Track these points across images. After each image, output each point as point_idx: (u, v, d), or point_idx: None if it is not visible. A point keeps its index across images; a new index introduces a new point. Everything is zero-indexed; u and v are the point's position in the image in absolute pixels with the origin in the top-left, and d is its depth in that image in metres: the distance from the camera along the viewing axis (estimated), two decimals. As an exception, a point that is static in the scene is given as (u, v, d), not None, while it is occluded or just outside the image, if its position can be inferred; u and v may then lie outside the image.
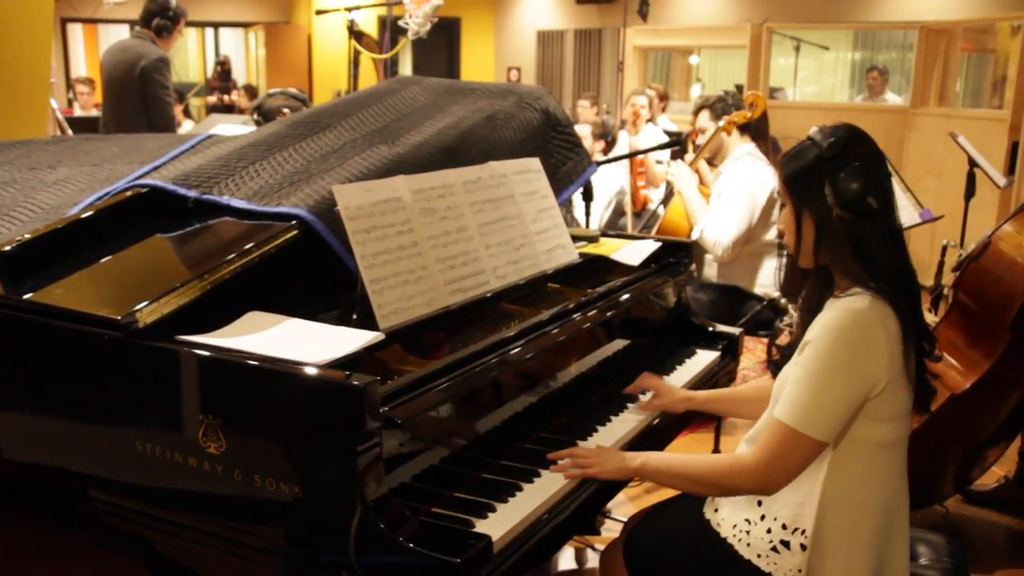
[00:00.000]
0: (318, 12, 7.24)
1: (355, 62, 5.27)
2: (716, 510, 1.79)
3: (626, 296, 2.30)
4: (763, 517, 1.71)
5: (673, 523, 1.86)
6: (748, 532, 1.72)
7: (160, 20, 4.82)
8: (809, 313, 1.79)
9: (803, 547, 1.66)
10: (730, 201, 3.90)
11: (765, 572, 1.69)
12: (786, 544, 1.67)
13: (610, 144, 5.80)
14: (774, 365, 1.91)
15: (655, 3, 9.27)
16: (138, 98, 4.79)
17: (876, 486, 1.69)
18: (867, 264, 1.67)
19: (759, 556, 1.69)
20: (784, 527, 1.68)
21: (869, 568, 1.68)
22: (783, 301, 3.43)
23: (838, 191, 1.66)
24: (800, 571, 1.66)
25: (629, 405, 2.15)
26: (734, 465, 1.68)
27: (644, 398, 2.17)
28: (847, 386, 1.61)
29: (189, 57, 14.24)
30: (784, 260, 1.89)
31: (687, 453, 1.83)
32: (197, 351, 1.52)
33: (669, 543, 1.84)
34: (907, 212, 3.89)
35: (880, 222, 1.69)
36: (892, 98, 8.10)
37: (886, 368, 1.62)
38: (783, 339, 2.89)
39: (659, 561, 1.85)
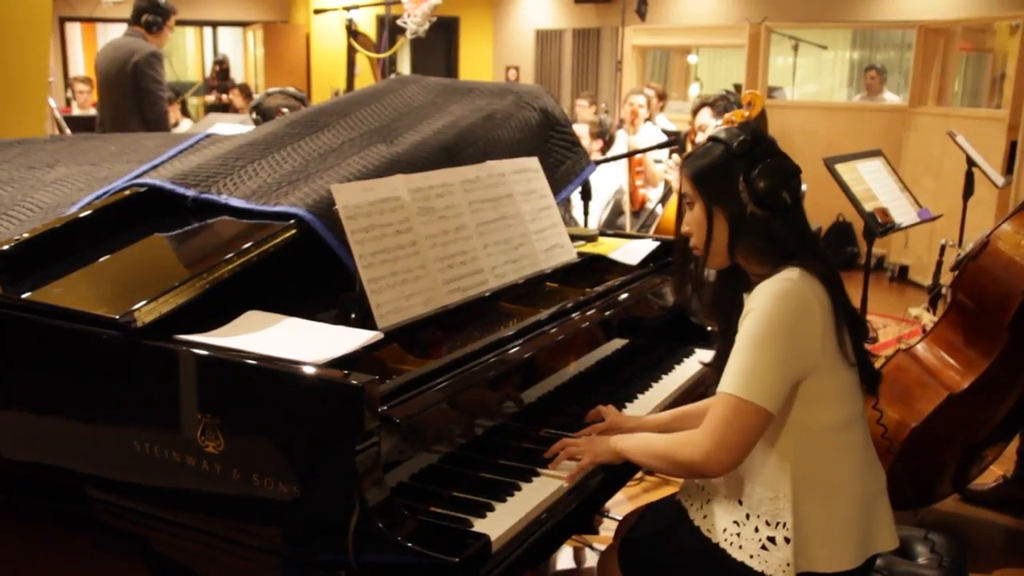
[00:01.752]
0: (316, 11, 7.26)
1: (353, 61, 5.26)
2: (705, 516, 1.79)
3: (624, 295, 2.30)
4: (748, 516, 1.72)
5: (667, 532, 1.86)
6: (738, 534, 1.72)
7: (149, 16, 4.88)
8: (723, 319, 1.80)
9: (787, 540, 1.67)
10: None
11: (758, 572, 1.69)
12: (772, 540, 1.68)
13: (608, 143, 5.80)
14: (714, 382, 1.87)
15: (653, 2, 9.27)
16: (132, 94, 4.83)
17: (845, 467, 1.71)
18: (785, 253, 1.70)
19: (751, 557, 1.70)
20: (767, 523, 1.69)
21: (856, 545, 1.69)
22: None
23: (752, 187, 1.69)
24: (789, 564, 1.66)
25: (628, 404, 2.15)
26: (685, 440, 1.69)
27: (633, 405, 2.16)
28: (786, 351, 1.62)
29: (187, 56, 14.23)
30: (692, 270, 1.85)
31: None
32: (196, 350, 1.52)
33: (664, 551, 1.84)
34: (905, 211, 3.90)
35: (793, 217, 1.72)
36: (890, 97, 8.12)
37: (820, 338, 1.64)
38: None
39: (656, 570, 1.85)
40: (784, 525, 1.68)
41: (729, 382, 1.64)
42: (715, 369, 1.85)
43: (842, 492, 1.70)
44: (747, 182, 1.69)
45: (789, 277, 1.65)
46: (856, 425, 1.74)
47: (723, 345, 1.80)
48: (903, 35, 9.48)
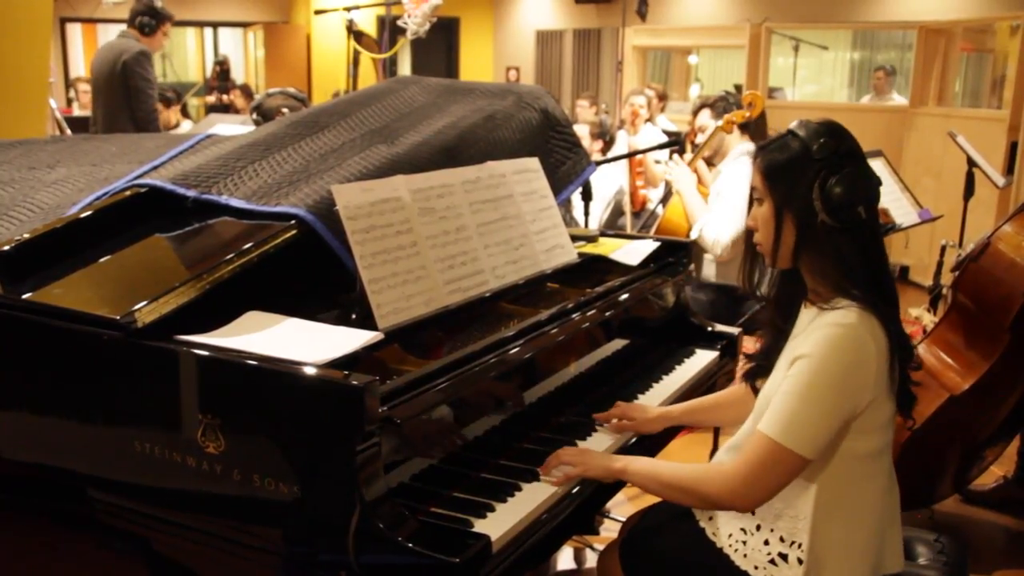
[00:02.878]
0: (317, 12, 7.25)
1: (354, 62, 5.27)
2: (711, 518, 1.78)
3: (625, 296, 2.30)
4: (759, 527, 1.70)
5: (670, 533, 1.85)
6: (744, 543, 1.70)
7: (143, 18, 4.96)
8: (780, 315, 1.76)
9: (800, 561, 1.65)
10: (729, 200, 3.90)
11: None
12: (784, 557, 1.66)
13: (608, 144, 5.80)
14: (748, 374, 1.86)
15: (654, 3, 9.27)
16: (121, 92, 4.89)
17: (867, 494, 1.68)
18: (849, 273, 1.62)
19: (756, 568, 1.68)
20: (781, 540, 1.66)
21: (867, 570, 1.68)
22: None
23: (826, 196, 1.59)
24: None
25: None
26: (712, 475, 1.64)
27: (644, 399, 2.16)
28: (837, 403, 1.57)
29: (188, 57, 14.23)
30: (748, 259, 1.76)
31: (681, 456, 1.81)
32: (196, 351, 1.52)
33: (666, 554, 1.83)
34: (906, 212, 3.90)
35: (866, 233, 1.64)
36: (898, 99, 8.05)
37: (874, 383, 1.59)
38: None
39: (657, 572, 1.85)
40: (800, 545, 1.65)
41: (773, 426, 1.58)
42: (757, 364, 1.82)
43: (863, 518, 1.67)
44: (822, 189, 1.59)
45: (847, 321, 1.57)
46: (885, 453, 1.71)
47: (771, 341, 1.75)
48: (904, 35, 9.48)
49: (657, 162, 5.71)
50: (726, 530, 1.74)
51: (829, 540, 1.65)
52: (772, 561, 1.67)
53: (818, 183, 1.60)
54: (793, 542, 1.66)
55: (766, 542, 1.68)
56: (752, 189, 1.72)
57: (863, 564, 1.67)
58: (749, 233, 1.76)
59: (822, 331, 1.59)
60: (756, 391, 1.81)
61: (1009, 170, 5.75)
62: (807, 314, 1.69)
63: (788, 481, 1.60)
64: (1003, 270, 2.83)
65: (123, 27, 5.10)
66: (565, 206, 3.97)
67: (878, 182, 1.66)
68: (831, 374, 1.56)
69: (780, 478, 1.59)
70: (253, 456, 1.46)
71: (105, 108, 4.98)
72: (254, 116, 4.08)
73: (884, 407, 1.65)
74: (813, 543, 1.64)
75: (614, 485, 1.90)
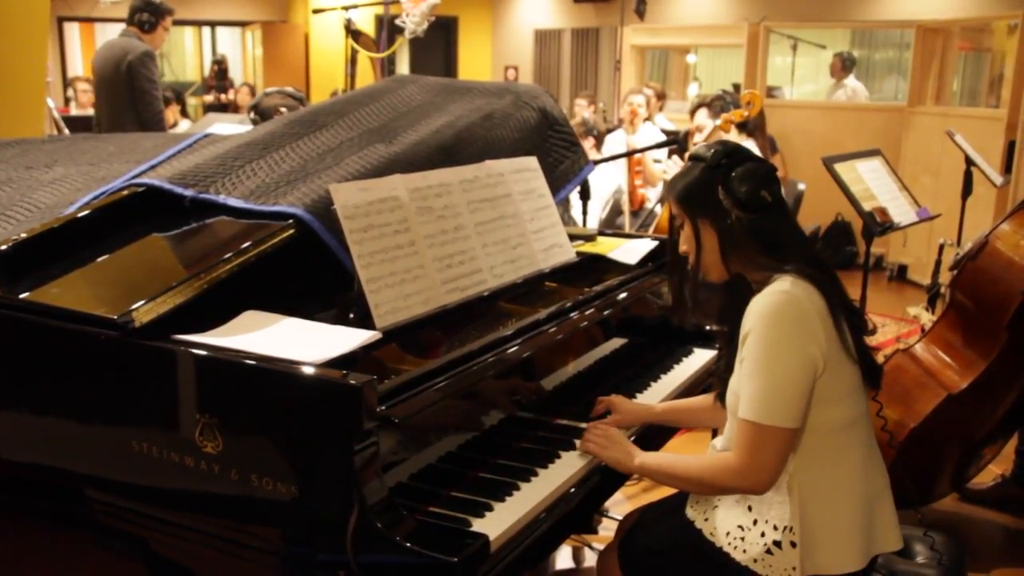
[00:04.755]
0: (315, 11, 7.25)
1: (352, 61, 5.26)
2: (706, 519, 1.79)
3: (623, 295, 2.30)
4: (755, 522, 1.71)
5: (668, 532, 1.86)
6: (743, 539, 1.72)
7: (143, 15, 4.93)
8: (731, 327, 1.80)
9: (793, 544, 1.67)
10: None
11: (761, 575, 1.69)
12: (778, 544, 1.68)
13: (599, 140, 5.78)
14: (719, 396, 1.89)
15: (652, 2, 9.26)
16: (126, 94, 4.85)
17: (848, 467, 1.72)
18: (776, 254, 1.73)
19: (755, 561, 1.69)
20: (775, 528, 1.69)
21: (859, 546, 1.70)
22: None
23: (732, 193, 1.73)
24: (795, 568, 1.66)
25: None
26: (723, 467, 1.70)
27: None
28: (795, 365, 1.64)
29: (186, 56, 14.22)
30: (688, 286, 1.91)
31: (683, 452, 1.84)
32: (194, 350, 1.51)
33: (665, 553, 1.85)
34: (904, 211, 3.90)
35: (776, 215, 1.76)
36: (852, 83, 8.33)
37: (823, 342, 1.65)
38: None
39: (655, 571, 1.85)
40: (791, 529, 1.67)
41: (748, 409, 1.65)
42: (720, 379, 1.87)
43: (846, 492, 1.70)
44: (726, 189, 1.74)
45: (780, 288, 1.67)
46: (860, 423, 1.75)
47: (730, 353, 1.80)
48: (902, 35, 9.48)
49: (656, 161, 5.71)
50: (724, 528, 1.74)
51: (817, 520, 1.68)
52: (769, 551, 1.68)
53: (721, 186, 1.75)
54: (785, 527, 1.68)
55: (762, 534, 1.70)
56: (672, 219, 1.88)
57: (854, 540, 1.69)
58: (676, 266, 1.92)
59: (757, 303, 1.69)
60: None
61: (1007, 169, 5.75)
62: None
63: (786, 453, 1.67)
64: (1001, 269, 2.83)
65: (122, 26, 5.09)
66: (563, 205, 3.96)
67: (772, 169, 1.79)
68: (778, 337, 1.65)
69: (776, 454, 1.66)
70: (251, 456, 1.46)
71: (110, 109, 4.95)
72: (252, 115, 4.08)
73: (844, 372, 1.70)
74: (803, 524, 1.67)
75: (613, 484, 1.91)
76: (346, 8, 5.08)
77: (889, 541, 1.76)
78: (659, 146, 4.76)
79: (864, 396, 1.76)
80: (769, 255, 1.73)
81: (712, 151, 1.79)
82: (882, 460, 1.81)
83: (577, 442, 1.88)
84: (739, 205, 1.73)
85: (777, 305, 1.65)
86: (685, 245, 1.83)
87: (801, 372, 1.64)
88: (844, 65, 8.33)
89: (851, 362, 1.71)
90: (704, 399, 2.08)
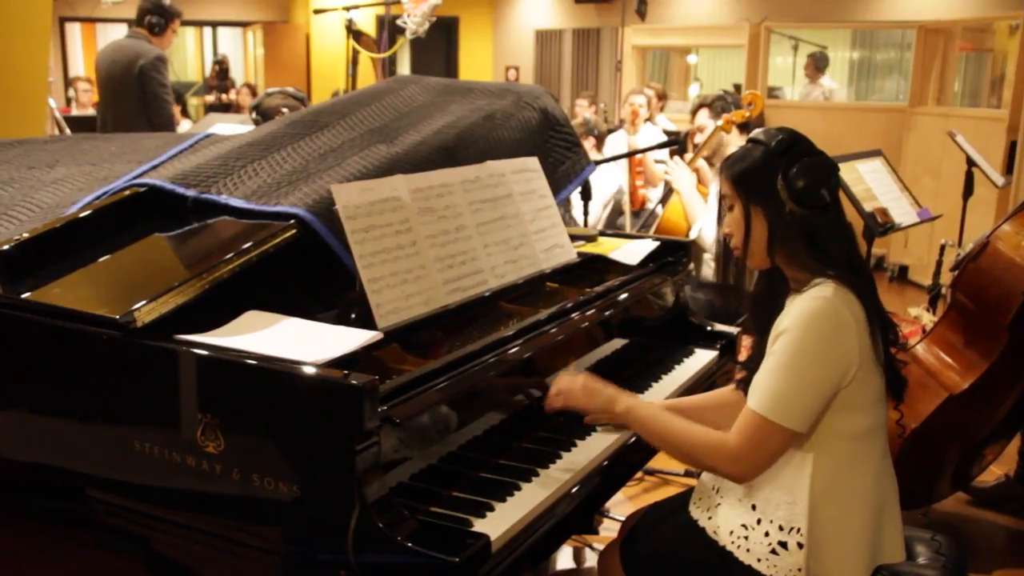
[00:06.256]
0: (316, 11, 7.26)
1: (354, 61, 5.26)
2: (710, 518, 1.78)
3: (624, 295, 2.30)
4: (759, 521, 1.71)
5: (670, 532, 1.85)
6: (746, 538, 1.71)
7: (152, 18, 4.87)
8: (762, 317, 1.79)
9: (800, 545, 1.66)
10: (728, 200, 3.91)
11: (765, 575, 1.69)
12: (784, 545, 1.67)
13: (600, 140, 5.78)
14: (742, 384, 1.89)
15: (653, 2, 9.27)
16: (136, 97, 4.80)
17: (862, 475, 1.71)
18: (821, 256, 1.70)
19: (759, 560, 1.69)
20: (780, 528, 1.68)
21: (866, 554, 1.69)
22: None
23: (791, 186, 1.69)
24: (800, 570, 1.66)
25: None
26: (717, 447, 1.69)
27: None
28: (820, 374, 1.63)
29: (187, 56, 14.23)
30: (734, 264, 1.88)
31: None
32: (196, 350, 1.52)
33: (667, 552, 1.84)
34: (905, 211, 3.90)
35: (832, 215, 1.72)
36: (828, 83, 8.48)
37: (857, 353, 1.64)
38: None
39: (658, 571, 1.85)
40: (798, 530, 1.67)
41: (760, 402, 1.64)
42: (748, 370, 1.85)
43: (858, 499, 1.69)
44: (785, 180, 1.69)
45: (823, 294, 1.64)
46: (878, 433, 1.74)
47: (759, 345, 1.79)
48: (903, 35, 9.48)
49: (657, 161, 5.71)
50: (727, 527, 1.74)
51: (826, 524, 1.67)
52: (773, 551, 1.68)
53: (781, 175, 1.70)
54: (792, 528, 1.67)
55: (767, 533, 1.69)
56: (722, 198, 1.82)
57: (860, 550, 1.69)
58: (724, 247, 1.85)
59: (798, 305, 1.67)
60: None
61: (1008, 169, 5.75)
62: (789, 302, 1.74)
63: (781, 453, 1.67)
64: (1002, 269, 2.83)
65: (125, 26, 5.06)
66: (564, 205, 3.97)
67: (835, 167, 1.75)
68: (811, 345, 1.63)
69: (772, 453, 1.66)
70: (253, 456, 1.46)
71: (118, 112, 4.89)
72: (253, 115, 4.08)
73: (871, 381, 1.69)
74: (811, 527, 1.66)
75: (614, 484, 1.90)
76: (347, 8, 5.08)
77: (894, 553, 1.75)
78: (660, 146, 4.76)
79: (885, 406, 1.75)
80: (815, 256, 1.70)
81: (776, 138, 1.73)
82: (894, 472, 1.79)
83: (577, 442, 1.88)
84: (796, 199, 1.69)
85: (815, 312, 1.63)
86: (730, 228, 1.80)
87: (824, 383, 1.63)
88: (817, 65, 8.48)
89: (879, 372, 1.70)
90: (706, 398, 2.07)
